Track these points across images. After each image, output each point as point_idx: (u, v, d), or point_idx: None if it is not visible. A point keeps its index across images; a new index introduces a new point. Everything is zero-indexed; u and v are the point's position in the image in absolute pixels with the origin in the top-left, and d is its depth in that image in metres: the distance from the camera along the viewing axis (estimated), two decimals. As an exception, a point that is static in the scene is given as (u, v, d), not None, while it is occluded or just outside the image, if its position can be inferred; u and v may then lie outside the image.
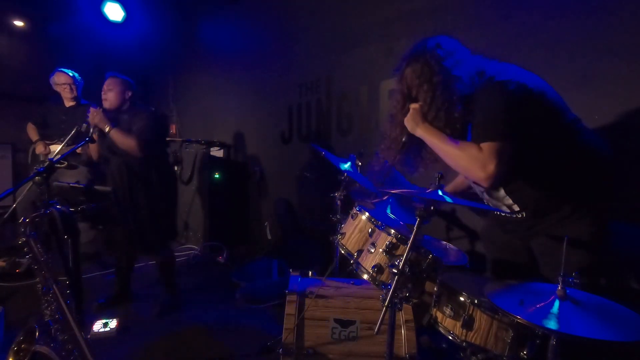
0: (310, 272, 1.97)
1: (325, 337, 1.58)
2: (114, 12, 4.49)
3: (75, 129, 2.56)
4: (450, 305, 1.33)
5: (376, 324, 1.19)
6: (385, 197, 2.12)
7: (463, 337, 1.28)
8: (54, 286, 1.44)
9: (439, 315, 1.37)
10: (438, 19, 2.56)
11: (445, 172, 1.34)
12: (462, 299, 1.30)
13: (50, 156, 3.31)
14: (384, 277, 1.49)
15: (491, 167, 1.21)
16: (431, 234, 1.98)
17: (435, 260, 1.43)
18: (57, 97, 3.53)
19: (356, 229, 1.71)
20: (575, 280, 1.07)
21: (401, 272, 1.22)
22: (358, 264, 1.60)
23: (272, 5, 4.13)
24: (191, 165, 4.39)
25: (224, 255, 3.95)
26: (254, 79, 4.42)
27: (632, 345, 0.86)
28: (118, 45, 5.10)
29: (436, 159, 1.47)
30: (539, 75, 1.36)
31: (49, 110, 3.56)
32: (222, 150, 4.75)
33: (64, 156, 1.93)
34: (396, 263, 1.25)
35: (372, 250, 1.54)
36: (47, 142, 3.48)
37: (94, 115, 2.46)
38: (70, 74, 3.48)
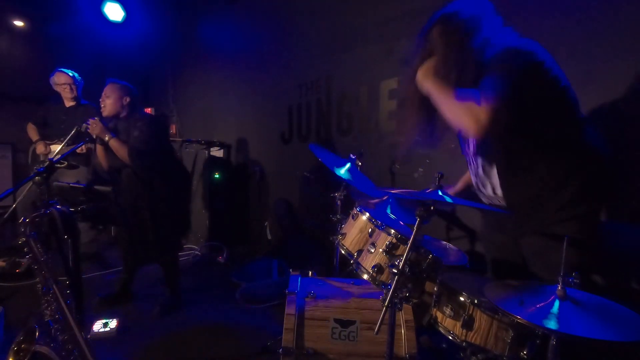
0: (310, 272, 1.97)
1: (325, 337, 1.58)
2: (114, 12, 4.49)
3: (75, 129, 2.56)
4: (450, 305, 1.33)
5: (376, 324, 1.19)
6: (385, 197, 2.12)
7: (463, 337, 1.28)
8: (54, 286, 1.44)
9: (439, 315, 1.37)
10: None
11: (446, 172, 1.34)
12: (462, 299, 1.30)
13: (50, 156, 3.31)
14: (384, 277, 1.49)
15: (483, 118, 1.19)
16: (431, 234, 1.98)
17: (435, 260, 1.43)
18: (57, 97, 3.53)
19: (356, 229, 1.71)
20: (575, 280, 1.07)
21: (401, 272, 1.22)
22: (358, 264, 1.60)
23: (272, 6, 4.13)
24: (191, 165, 4.39)
25: (224, 255, 3.95)
26: (254, 79, 4.42)
27: (632, 345, 0.86)
28: (118, 45, 5.10)
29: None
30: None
31: (49, 110, 3.56)
32: (222, 150, 4.75)
33: (64, 156, 1.93)
34: (396, 263, 1.25)
35: (372, 250, 1.54)
36: (47, 142, 3.49)
37: (94, 127, 2.46)
38: (70, 74, 3.48)
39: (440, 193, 1.33)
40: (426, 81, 1.40)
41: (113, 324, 2.41)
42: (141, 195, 2.58)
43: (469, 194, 1.71)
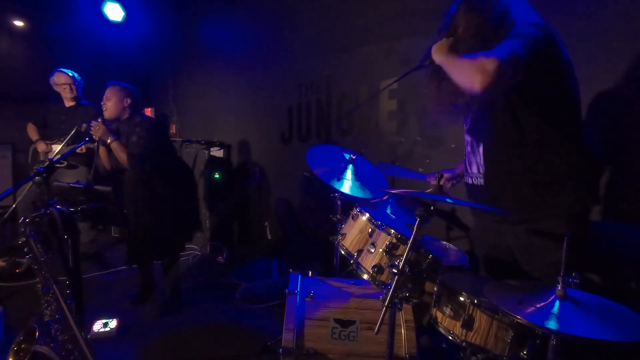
0: (310, 272, 1.96)
1: (325, 337, 1.58)
2: (114, 12, 4.49)
3: (75, 129, 2.56)
4: (450, 305, 1.33)
5: (376, 324, 1.19)
6: (386, 197, 2.13)
7: (463, 337, 1.28)
8: (54, 286, 1.44)
9: (439, 315, 1.37)
10: (438, 19, 2.56)
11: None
12: (462, 299, 1.30)
13: (50, 156, 3.31)
14: (384, 277, 1.49)
15: (490, 68, 1.14)
16: (431, 234, 1.98)
17: (435, 260, 1.43)
18: (57, 97, 3.53)
19: (356, 229, 1.72)
20: (575, 280, 1.07)
21: (401, 272, 1.22)
22: (358, 264, 1.60)
23: (271, 6, 4.13)
24: (191, 166, 4.39)
25: (224, 255, 3.95)
26: (254, 78, 4.42)
27: (632, 345, 0.86)
28: (118, 45, 5.09)
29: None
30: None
31: (49, 110, 3.56)
32: (222, 150, 4.75)
33: (64, 156, 1.93)
34: (396, 263, 1.25)
35: (372, 250, 1.54)
36: (48, 142, 3.49)
37: (96, 129, 2.46)
38: (70, 74, 3.48)
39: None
40: (440, 55, 1.39)
41: (113, 324, 2.41)
42: (142, 197, 2.60)
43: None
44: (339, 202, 2.20)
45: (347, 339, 1.57)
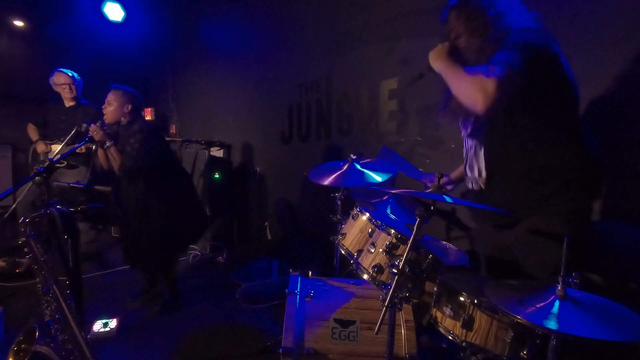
0: (310, 272, 1.97)
1: (325, 337, 1.58)
2: (114, 12, 4.49)
3: (75, 129, 2.56)
4: (450, 305, 1.32)
5: (376, 324, 1.19)
6: (386, 197, 2.13)
7: (463, 337, 1.28)
8: (54, 286, 1.44)
9: (439, 315, 1.37)
10: (438, 19, 2.56)
11: (446, 172, 1.34)
12: (462, 299, 1.30)
13: (50, 156, 3.31)
14: (384, 277, 1.49)
15: (491, 89, 1.16)
16: (431, 234, 1.98)
17: (435, 260, 1.43)
18: (57, 97, 3.53)
19: (356, 229, 1.71)
20: (575, 280, 1.07)
21: (401, 272, 1.22)
22: (358, 264, 1.60)
23: (271, 6, 4.13)
24: (191, 165, 4.39)
25: (224, 255, 3.95)
26: (254, 78, 4.42)
27: (632, 345, 0.86)
28: (118, 45, 5.10)
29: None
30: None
31: (49, 110, 3.56)
32: (222, 150, 4.75)
33: (64, 156, 1.93)
34: (396, 263, 1.25)
35: (372, 250, 1.54)
36: (47, 142, 3.49)
37: (95, 133, 2.46)
38: (70, 74, 3.48)
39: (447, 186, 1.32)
40: (437, 62, 1.41)
41: (113, 324, 2.41)
42: (134, 204, 2.62)
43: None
44: (339, 202, 2.20)
45: (347, 339, 1.58)
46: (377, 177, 1.95)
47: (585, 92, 1.78)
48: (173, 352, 2.23)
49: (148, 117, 5.17)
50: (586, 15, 1.87)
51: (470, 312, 1.27)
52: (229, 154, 4.83)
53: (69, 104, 3.53)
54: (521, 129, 1.35)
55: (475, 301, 1.27)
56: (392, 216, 1.94)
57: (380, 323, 1.19)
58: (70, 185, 3.01)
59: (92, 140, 2.47)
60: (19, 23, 4.82)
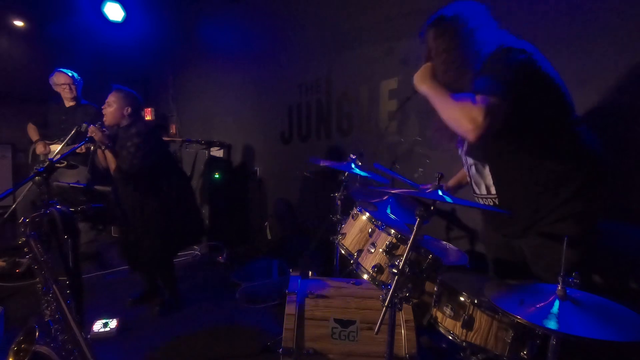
0: (310, 272, 1.97)
1: (325, 337, 1.58)
2: (114, 12, 4.49)
3: (75, 129, 2.56)
4: (450, 305, 1.32)
5: (376, 324, 1.19)
6: (386, 197, 2.12)
7: (463, 337, 1.28)
8: (54, 286, 1.44)
9: (439, 315, 1.37)
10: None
11: (446, 172, 1.34)
12: (462, 299, 1.30)
13: (50, 156, 3.31)
14: (384, 277, 1.49)
15: (480, 119, 1.18)
16: (431, 234, 1.98)
17: (435, 260, 1.43)
18: (57, 97, 3.53)
19: (356, 229, 1.71)
20: (575, 280, 1.07)
21: (401, 272, 1.22)
22: (358, 264, 1.60)
23: (271, 5, 4.13)
24: (191, 165, 4.39)
25: (224, 255, 3.95)
26: (254, 78, 4.42)
27: (632, 345, 0.86)
28: (118, 45, 5.10)
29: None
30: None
31: (49, 110, 3.56)
32: (222, 150, 4.75)
33: (64, 156, 1.93)
34: (396, 263, 1.25)
35: (372, 250, 1.54)
36: (47, 142, 3.49)
37: (94, 133, 2.45)
38: (70, 74, 3.48)
39: (440, 193, 1.32)
40: (423, 84, 1.41)
41: (113, 324, 2.41)
42: (131, 205, 2.62)
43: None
44: (339, 202, 2.20)
45: (347, 339, 1.58)
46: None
47: (585, 92, 1.79)
48: (173, 352, 2.23)
49: (148, 117, 5.18)
50: (586, 15, 1.87)
51: (471, 312, 1.27)
52: (229, 154, 4.83)
53: (69, 104, 3.53)
54: (518, 144, 1.35)
55: (476, 301, 1.27)
56: (392, 216, 1.94)
57: (380, 323, 1.19)
58: (70, 185, 3.01)
59: (92, 140, 2.47)
60: (19, 23, 4.82)
